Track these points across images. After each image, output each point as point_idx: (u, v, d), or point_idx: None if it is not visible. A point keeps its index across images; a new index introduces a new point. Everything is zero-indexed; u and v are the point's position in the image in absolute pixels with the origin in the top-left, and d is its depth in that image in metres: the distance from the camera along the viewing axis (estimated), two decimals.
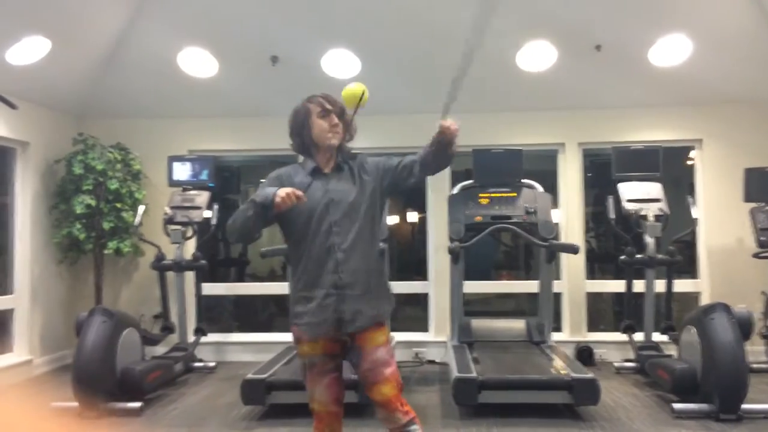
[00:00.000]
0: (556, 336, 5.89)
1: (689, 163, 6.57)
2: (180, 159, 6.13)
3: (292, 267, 2.62)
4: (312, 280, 2.50)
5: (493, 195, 5.56)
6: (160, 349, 5.90)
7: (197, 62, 5.96)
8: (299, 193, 2.39)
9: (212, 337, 6.34)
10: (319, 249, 2.50)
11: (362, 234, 2.54)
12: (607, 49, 5.73)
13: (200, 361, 6.03)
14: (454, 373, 4.46)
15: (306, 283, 2.52)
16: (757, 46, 5.62)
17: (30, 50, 5.24)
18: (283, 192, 2.37)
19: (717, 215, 6.22)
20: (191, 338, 6.01)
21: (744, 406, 4.19)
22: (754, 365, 5.19)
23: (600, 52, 5.75)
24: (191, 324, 6.09)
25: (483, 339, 5.54)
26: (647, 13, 5.48)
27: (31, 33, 5.12)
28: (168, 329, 5.97)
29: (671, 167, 6.08)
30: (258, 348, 6.15)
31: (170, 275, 5.97)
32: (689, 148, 6.55)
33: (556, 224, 5.81)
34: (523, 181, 5.69)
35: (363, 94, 2.52)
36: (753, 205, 5.71)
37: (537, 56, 5.85)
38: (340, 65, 5.94)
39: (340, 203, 2.53)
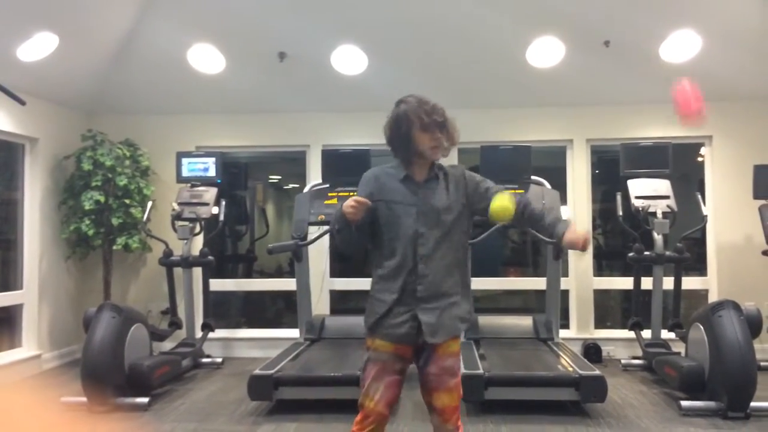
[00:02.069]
0: (563, 333, 5.88)
1: (699, 159, 6.54)
2: (188, 155, 6.14)
3: (373, 269, 2.59)
4: (390, 288, 2.49)
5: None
6: (167, 345, 5.93)
7: (205, 58, 5.97)
8: (360, 198, 2.41)
9: (220, 333, 6.37)
10: (401, 258, 2.48)
11: (447, 246, 2.50)
12: (616, 45, 5.71)
13: (208, 356, 6.05)
14: (461, 369, 4.44)
15: (384, 289, 2.51)
16: (765, 41, 5.58)
17: (39, 46, 5.25)
18: (348, 207, 2.40)
19: (726, 212, 6.19)
20: (199, 334, 6.02)
21: (753, 404, 4.17)
22: (762, 363, 5.16)
23: (608, 48, 5.72)
24: (198, 320, 6.11)
25: (490, 336, 5.54)
26: (656, 9, 5.45)
27: (40, 29, 5.14)
28: (175, 325, 5.99)
29: (680, 164, 6.05)
30: (266, 344, 6.16)
31: (178, 271, 5.99)
32: (699, 145, 6.52)
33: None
34: (531, 177, 5.68)
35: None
36: (762, 201, 5.67)
37: (546, 52, 5.83)
38: (348, 61, 5.94)
39: (429, 214, 2.50)
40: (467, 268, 2.73)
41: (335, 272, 6.67)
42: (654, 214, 5.55)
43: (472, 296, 2.71)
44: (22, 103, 3.47)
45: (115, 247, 6.13)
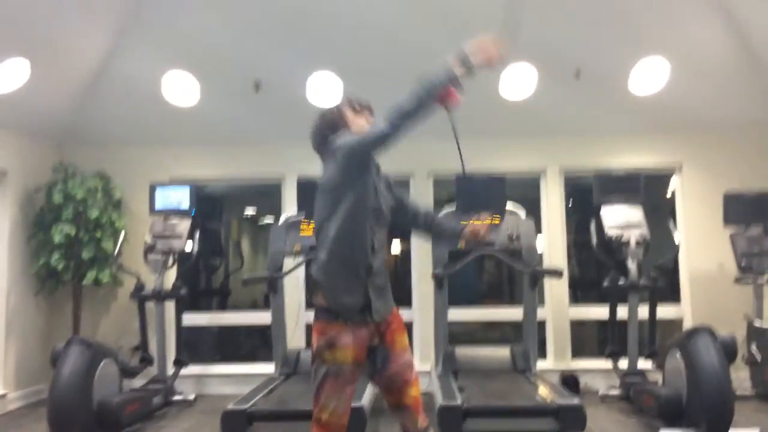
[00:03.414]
0: (540, 364, 5.84)
1: (670, 189, 6.63)
2: (162, 186, 6.07)
3: (328, 247, 2.56)
4: (350, 267, 2.55)
5: (475, 222, 5.54)
6: (138, 382, 5.77)
7: (180, 89, 5.96)
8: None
9: (192, 369, 6.21)
10: (360, 243, 2.55)
11: (384, 240, 2.66)
12: (587, 76, 5.81)
13: (179, 393, 5.88)
14: (439, 401, 4.40)
15: (344, 268, 2.56)
16: (735, 72, 5.73)
17: (10, 76, 5.20)
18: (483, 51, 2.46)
19: (698, 240, 6.26)
20: (170, 370, 5.88)
21: (731, 431, 4.15)
22: (738, 392, 5.17)
23: (579, 79, 5.83)
24: (171, 355, 5.97)
25: (467, 368, 5.48)
26: (626, 40, 5.58)
27: (12, 58, 5.09)
28: (147, 361, 5.84)
29: (652, 194, 6.13)
30: (240, 380, 6.03)
31: (150, 306, 5.87)
32: (669, 175, 6.61)
33: (540, 255, 5.81)
34: (506, 207, 5.70)
35: None
36: (734, 229, 5.75)
37: (518, 82, 5.91)
38: (323, 91, 5.95)
39: (382, 209, 2.66)
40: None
41: (311, 304, 6.57)
42: (628, 242, 5.59)
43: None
44: None
45: (85, 282, 6.01)
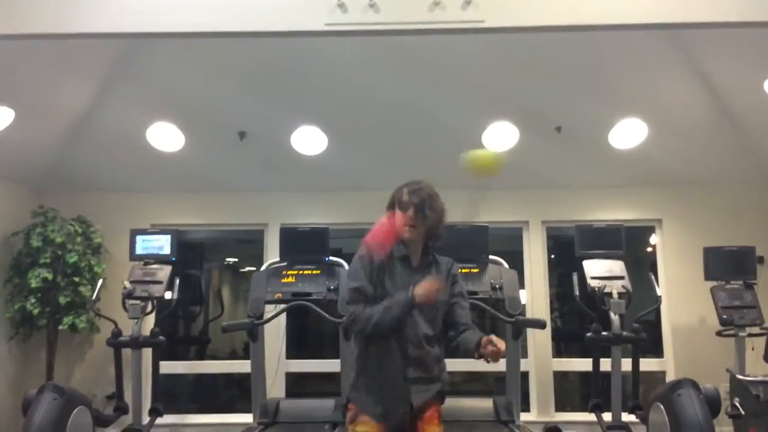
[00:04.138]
0: (524, 416, 5.75)
1: (651, 242, 6.70)
2: (143, 232, 6.02)
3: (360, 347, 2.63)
4: (379, 368, 2.56)
5: (462, 270, 5.54)
6: (112, 431, 5.62)
7: (163, 136, 5.97)
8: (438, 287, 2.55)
9: (168, 418, 6.05)
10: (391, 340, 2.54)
11: (432, 329, 2.60)
12: (568, 131, 5.93)
13: None
14: None
15: (372, 370, 2.58)
16: (709, 128, 5.87)
17: None
18: (422, 291, 2.51)
19: (679, 294, 6.30)
20: (146, 419, 5.72)
21: None
22: None
23: (560, 133, 5.94)
24: (147, 404, 5.83)
25: (450, 419, 5.36)
26: (605, 97, 5.71)
27: None
28: (121, 409, 5.67)
29: (633, 247, 6.18)
30: (217, 430, 5.92)
31: (126, 353, 5.74)
32: (650, 230, 6.69)
33: (524, 305, 5.79)
34: (489, 257, 5.71)
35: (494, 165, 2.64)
36: (714, 283, 5.80)
37: (500, 136, 6.00)
38: (308, 142, 6.01)
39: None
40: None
41: (292, 353, 6.50)
42: (610, 294, 5.61)
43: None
44: None
45: (60, 327, 5.88)
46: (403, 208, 2.61)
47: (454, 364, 6.72)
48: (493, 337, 2.48)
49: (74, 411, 4.59)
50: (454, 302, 2.72)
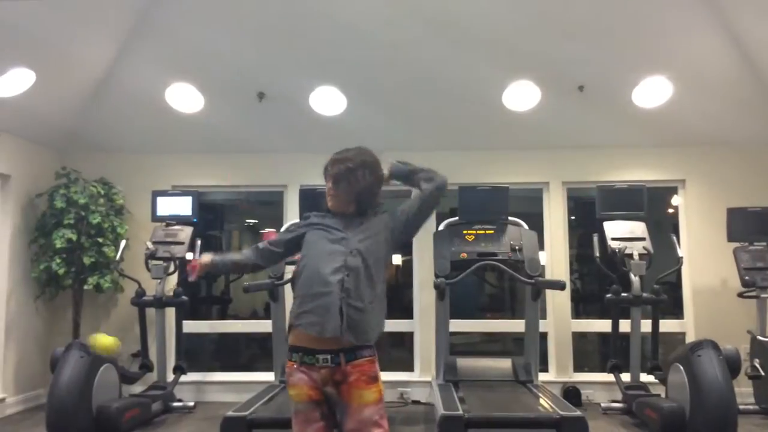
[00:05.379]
0: (542, 376, 5.81)
1: (673, 204, 6.62)
2: (164, 194, 6.07)
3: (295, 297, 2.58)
4: (309, 293, 2.47)
5: (478, 232, 5.55)
6: (137, 388, 5.75)
7: (183, 98, 5.96)
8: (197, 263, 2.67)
9: (192, 376, 6.19)
10: (322, 276, 2.44)
11: (366, 280, 2.47)
12: (590, 90, 5.82)
13: (179, 400, 5.86)
14: (440, 411, 4.36)
15: (303, 301, 2.49)
16: (737, 87, 5.74)
17: (15, 82, 5.21)
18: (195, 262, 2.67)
19: (701, 255, 6.24)
20: (170, 377, 5.86)
21: None
22: (741, 407, 5.13)
23: (583, 92, 5.84)
24: (171, 362, 5.95)
25: (469, 378, 5.45)
26: (629, 55, 5.59)
27: (16, 65, 5.11)
28: (146, 367, 5.82)
29: (654, 209, 6.12)
30: (240, 388, 5.99)
31: (150, 312, 5.85)
32: (672, 191, 6.61)
33: (543, 266, 5.79)
34: (508, 218, 5.69)
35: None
36: (737, 244, 5.74)
37: (521, 96, 5.92)
38: (327, 103, 5.97)
39: (355, 252, 2.49)
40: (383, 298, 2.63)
41: None
42: (630, 255, 5.58)
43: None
44: None
45: (86, 287, 5.99)
46: (325, 178, 2.61)
47: (474, 325, 6.83)
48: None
49: (101, 368, 4.71)
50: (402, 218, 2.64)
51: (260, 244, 2.73)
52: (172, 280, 5.98)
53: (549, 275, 6.26)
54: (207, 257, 2.71)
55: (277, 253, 2.71)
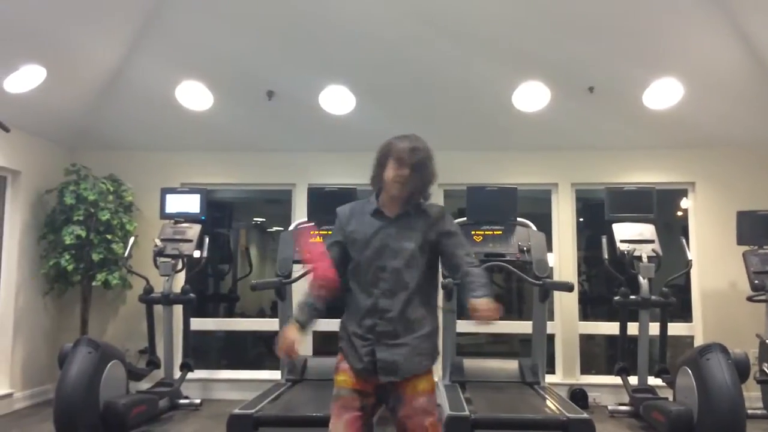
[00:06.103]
0: (549, 378, 5.79)
1: (682, 206, 6.59)
2: (173, 191, 6.09)
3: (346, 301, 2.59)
4: (353, 319, 2.49)
5: (486, 232, 5.54)
6: (144, 385, 5.77)
7: (192, 96, 5.98)
8: (291, 348, 2.45)
9: (199, 373, 6.21)
10: (363, 291, 2.48)
11: (412, 283, 2.45)
12: (600, 91, 5.80)
13: (186, 398, 5.87)
14: (446, 411, 4.34)
15: (349, 319, 2.52)
16: (749, 90, 5.70)
17: (26, 79, 5.24)
18: (282, 345, 2.47)
19: (710, 258, 6.21)
20: (177, 374, 5.87)
21: None
22: (749, 411, 5.10)
23: (593, 93, 5.82)
24: (177, 359, 5.96)
25: (475, 379, 5.43)
26: (639, 56, 5.56)
27: (28, 62, 5.13)
28: (153, 364, 5.84)
29: (664, 211, 6.10)
30: (246, 386, 6.00)
31: (158, 309, 5.87)
32: (682, 193, 6.58)
33: (551, 268, 5.78)
34: (517, 219, 5.67)
35: None
36: (746, 248, 5.71)
37: (531, 97, 5.91)
38: (336, 101, 5.97)
39: (395, 250, 2.48)
40: (437, 310, 2.64)
41: None
42: (639, 257, 5.56)
43: (438, 338, 2.60)
44: (6, 130, 3.44)
45: (94, 284, 6.01)
46: (399, 163, 2.47)
47: (481, 326, 6.79)
48: (478, 304, 2.34)
49: (108, 364, 4.72)
50: (452, 252, 2.55)
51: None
52: (180, 278, 5.99)
53: (557, 277, 6.25)
54: (291, 332, 2.48)
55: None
